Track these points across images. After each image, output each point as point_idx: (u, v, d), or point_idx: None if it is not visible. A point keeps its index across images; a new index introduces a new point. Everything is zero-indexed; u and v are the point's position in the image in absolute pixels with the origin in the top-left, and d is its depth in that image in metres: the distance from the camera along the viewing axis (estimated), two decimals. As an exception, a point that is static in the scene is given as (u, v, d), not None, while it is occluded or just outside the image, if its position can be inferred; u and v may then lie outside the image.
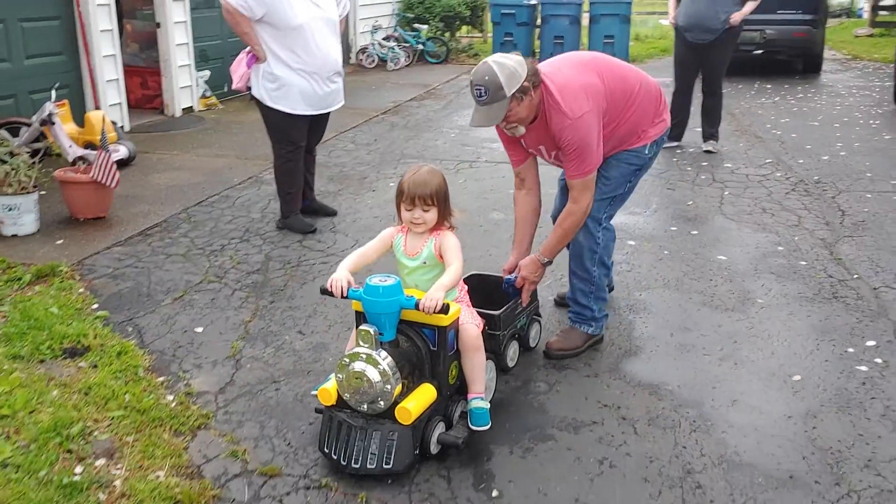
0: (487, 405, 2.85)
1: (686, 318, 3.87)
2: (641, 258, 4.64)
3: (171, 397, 3.16)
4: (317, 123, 5.09)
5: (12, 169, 4.85)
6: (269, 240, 4.97)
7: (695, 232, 5.11)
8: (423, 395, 2.66)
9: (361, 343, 2.59)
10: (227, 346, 3.59)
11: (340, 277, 2.73)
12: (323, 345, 3.59)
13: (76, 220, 5.23)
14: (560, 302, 3.98)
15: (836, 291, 4.15)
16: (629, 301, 4.05)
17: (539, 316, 3.56)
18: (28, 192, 4.91)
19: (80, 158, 5.87)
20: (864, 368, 3.37)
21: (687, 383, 3.25)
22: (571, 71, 3.24)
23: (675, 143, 7.53)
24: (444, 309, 2.58)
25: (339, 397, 2.69)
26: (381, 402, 2.60)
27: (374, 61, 13.31)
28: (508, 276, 3.39)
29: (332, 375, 2.80)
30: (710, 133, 7.34)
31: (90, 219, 5.24)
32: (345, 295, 2.70)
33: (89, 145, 6.36)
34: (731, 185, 6.22)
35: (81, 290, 4.17)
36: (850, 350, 3.53)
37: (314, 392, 2.92)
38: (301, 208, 5.21)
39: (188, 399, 3.15)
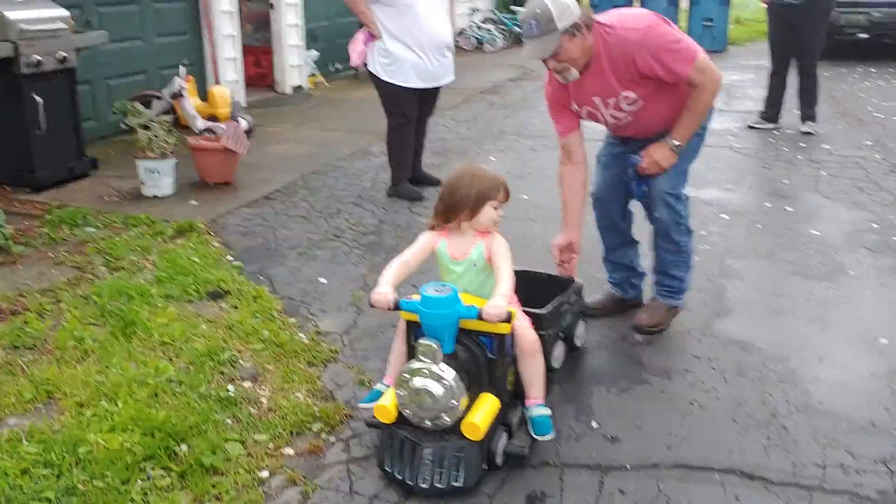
0: (549, 411, 2.77)
1: (777, 285, 4.06)
2: (735, 230, 4.82)
3: (302, 335, 3.57)
4: (428, 97, 5.45)
5: (154, 136, 5.38)
6: (380, 205, 5.37)
7: (789, 208, 5.25)
8: (488, 408, 2.56)
9: (422, 358, 2.46)
10: (349, 294, 3.98)
11: (385, 292, 2.60)
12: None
13: (206, 185, 5.74)
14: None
15: (930, 266, 4.25)
16: (722, 268, 4.25)
17: (585, 315, 3.42)
18: (167, 158, 5.44)
19: (207, 130, 6.38)
20: (952, 335, 3.51)
21: (775, 342, 3.46)
22: (625, 10, 3.33)
23: (773, 125, 7.58)
24: (509, 317, 2.45)
25: (399, 414, 2.57)
26: (447, 418, 2.49)
27: (471, 43, 13.61)
28: (633, 157, 3.31)
29: (380, 388, 2.83)
30: (807, 114, 7.36)
31: (218, 183, 5.75)
32: (391, 308, 2.58)
33: (212, 118, 6.89)
34: (828, 165, 6.28)
35: (216, 244, 4.65)
36: (940, 319, 3.66)
37: (363, 404, 2.88)
38: (409, 177, 5.58)
39: (318, 337, 3.55)
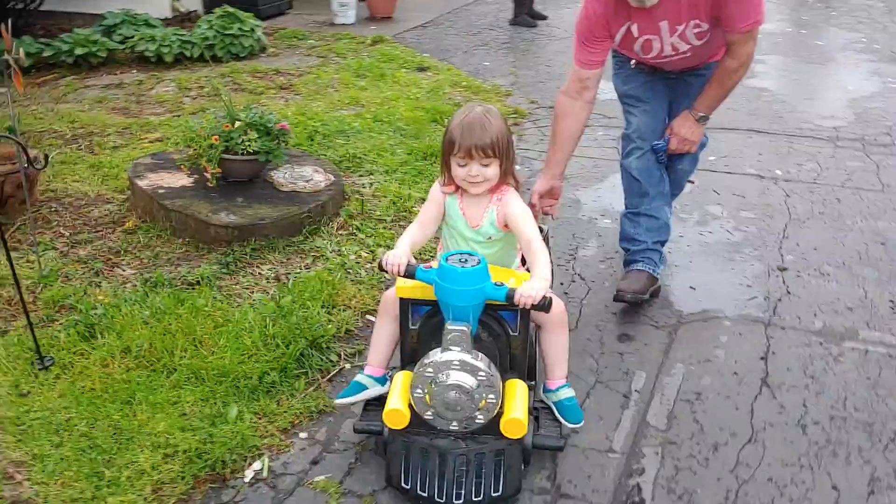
0: (574, 392, 2.36)
1: (787, 66, 6.19)
2: (762, 42, 6.87)
3: (486, 85, 5.75)
4: (543, -51, 7.47)
5: (344, -22, 7.51)
6: (506, 30, 7.50)
7: (804, 31, 7.31)
8: (522, 398, 2.12)
9: (451, 346, 2.01)
10: (507, 69, 6.17)
11: (398, 255, 2.12)
12: (560, 74, 6.07)
13: (374, 18, 7.88)
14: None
15: (895, 58, 6.32)
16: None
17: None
18: (352, -6, 7.58)
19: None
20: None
21: (782, 88, 5.63)
22: None
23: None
24: (545, 305, 2.00)
25: (414, 416, 2.10)
26: (481, 417, 2.07)
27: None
28: (657, 142, 2.97)
29: (361, 380, 2.35)
30: (830, -25, 9.21)
31: (383, 17, 7.88)
32: (402, 273, 2.10)
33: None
34: (841, 9, 8.27)
35: (403, 48, 6.81)
36: (891, 82, 5.76)
37: (340, 399, 2.35)
38: (526, 12, 7.68)
39: (495, 87, 5.72)
